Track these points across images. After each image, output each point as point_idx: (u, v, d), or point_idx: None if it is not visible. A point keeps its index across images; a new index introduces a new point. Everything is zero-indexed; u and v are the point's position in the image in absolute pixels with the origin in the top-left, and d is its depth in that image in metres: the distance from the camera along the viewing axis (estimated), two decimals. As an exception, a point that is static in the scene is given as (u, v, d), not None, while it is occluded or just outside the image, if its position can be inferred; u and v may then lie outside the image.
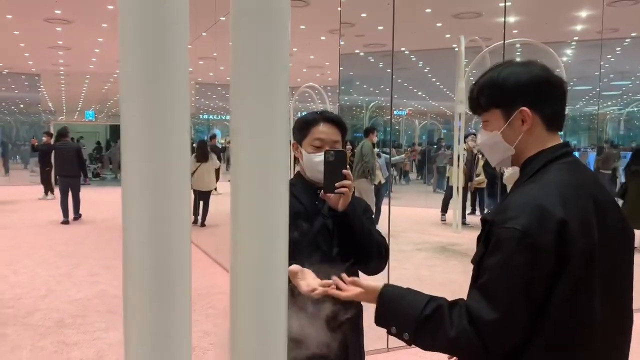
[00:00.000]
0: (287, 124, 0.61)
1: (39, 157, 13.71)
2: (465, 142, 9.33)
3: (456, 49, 9.49)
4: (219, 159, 10.74)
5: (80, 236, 9.04)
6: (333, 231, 1.84)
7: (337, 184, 1.76)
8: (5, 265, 6.86)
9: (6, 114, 27.64)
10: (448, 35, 11.87)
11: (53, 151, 11.18)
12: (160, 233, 0.55)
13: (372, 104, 21.51)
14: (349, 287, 1.44)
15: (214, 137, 14.32)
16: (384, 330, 1.36)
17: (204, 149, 9.73)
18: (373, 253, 1.88)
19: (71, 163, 10.21)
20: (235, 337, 0.61)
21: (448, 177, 10.19)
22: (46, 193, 13.76)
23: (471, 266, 1.37)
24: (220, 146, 14.33)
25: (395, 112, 20.84)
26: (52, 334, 4.55)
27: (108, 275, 6.44)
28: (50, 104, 27.27)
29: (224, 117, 22.82)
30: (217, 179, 10.25)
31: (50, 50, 15.63)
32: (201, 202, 9.57)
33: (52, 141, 12.51)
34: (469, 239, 8.96)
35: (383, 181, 8.94)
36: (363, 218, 1.90)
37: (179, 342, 0.56)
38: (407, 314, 1.30)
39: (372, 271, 1.97)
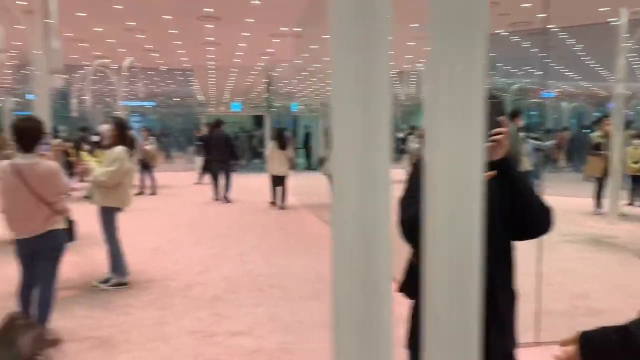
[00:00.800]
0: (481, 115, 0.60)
1: (201, 146, 15.02)
2: (599, 126, 8.57)
3: (614, 23, 8.62)
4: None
5: (230, 219, 9.75)
6: (494, 195, 1.62)
7: (492, 131, 1.69)
8: (167, 242, 7.64)
9: (163, 106, 30.59)
10: (604, 9, 10.78)
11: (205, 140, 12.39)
12: (365, 224, 0.57)
13: (515, 86, 20.34)
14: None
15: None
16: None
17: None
18: (540, 210, 1.83)
19: (224, 150, 11.23)
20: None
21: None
22: (206, 178, 14.79)
23: (628, 260, 1.28)
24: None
25: (542, 94, 19.49)
26: (208, 307, 4.98)
27: (256, 256, 6.88)
28: (201, 97, 29.57)
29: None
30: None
31: (202, 46, 16.91)
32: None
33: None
34: (625, 231, 8.13)
35: (530, 168, 8.44)
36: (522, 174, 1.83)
37: (383, 326, 0.58)
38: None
39: (539, 232, 1.90)
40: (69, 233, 4.36)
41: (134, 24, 13.99)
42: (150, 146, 12.22)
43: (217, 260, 6.68)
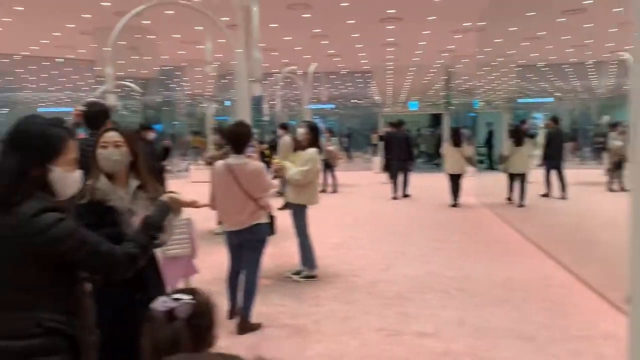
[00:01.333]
0: None
1: (384, 145, 15.34)
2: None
3: None
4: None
5: (409, 218, 9.75)
6: None
7: None
8: (350, 239, 7.91)
9: (343, 108, 31.74)
10: None
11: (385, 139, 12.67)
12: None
13: None
14: None
15: (523, 121, 13.74)
16: None
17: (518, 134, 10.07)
18: None
19: (404, 149, 11.65)
20: None
21: None
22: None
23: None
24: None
25: None
26: (394, 305, 5.02)
27: (437, 256, 6.78)
28: (378, 97, 30.09)
29: (545, 100, 21.38)
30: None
31: (382, 47, 17.19)
32: (516, 184, 9.98)
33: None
34: None
35: None
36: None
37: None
38: None
39: None
40: (270, 227, 4.83)
41: (319, 30, 14.75)
42: (332, 146, 12.76)
43: (399, 259, 6.72)
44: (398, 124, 12.35)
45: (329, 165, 12.86)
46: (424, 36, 15.58)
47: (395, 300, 5.17)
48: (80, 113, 4.16)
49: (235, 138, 4.38)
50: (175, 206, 2.22)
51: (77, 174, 1.90)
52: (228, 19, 8.80)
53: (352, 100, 29.44)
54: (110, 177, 2.45)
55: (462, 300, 5.15)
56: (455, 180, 10.66)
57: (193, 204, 2.32)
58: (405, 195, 11.88)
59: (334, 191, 13.08)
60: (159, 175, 7.59)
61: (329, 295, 5.34)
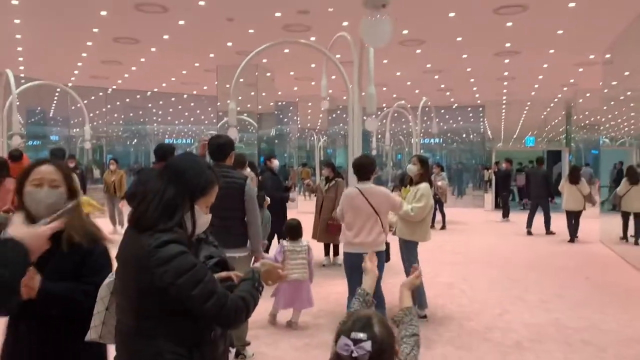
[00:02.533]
0: None
1: (498, 182, 14.80)
2: None
3: None
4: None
5: (526, 258, 9.19)
6: None
7: None
8: (462, 280, 7.56)
9: (452, 142, 31.04)
10: None
11: (524, 175, 12.53)
12: None
13: None
14: None
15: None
16: None
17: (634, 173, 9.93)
18: None
19: (541, 186, 11.77)
20: None
21: None
22: (504, 216, 14.43)
23: None
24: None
25: None
26: (512, 354, 4.70)
27: (561, 304, 6.28)
28: (489, 132, 29.14)
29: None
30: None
31: (496, 81, 16.69)
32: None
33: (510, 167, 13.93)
34: None
35: None
36: None
37: None
38: None
39: None
40: (386, 253, 5.02)
41: (430, 66, 14.66)
42: (441, 182, 12.45)
43: (516, 304, 6.31)
44: (538, 161, 12.77)
45: (438, 201, 12.55)
46: (542, 69, 14.92)
47: (514, 349, 4.84)
48: (206, 144, 4.42)
49: (361, 168, 4.86)
50: (265, 277, 2.01)
51: (208, 217, 1.97)
52: (339, 56, 9.03)
53: (463, 135, 28.76)
54: (32, 219, 2.00)
55: (588, 354, 4.70)
56: (572, 217, 10.78)
57: (281, 278, 2.10)
58: (549, 233, 11.69)
59: (443, 227, 12.71)
60: (281, 206, 7.85)
61: (441, 338, 5.12)
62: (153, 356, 1.79)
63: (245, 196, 4.25)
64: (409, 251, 5.75)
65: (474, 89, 18.51)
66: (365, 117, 7.10)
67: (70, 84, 16.07)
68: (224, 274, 1.98)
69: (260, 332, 5.16)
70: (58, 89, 16.62)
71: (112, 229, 11.39)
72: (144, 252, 1.76)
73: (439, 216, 12.73)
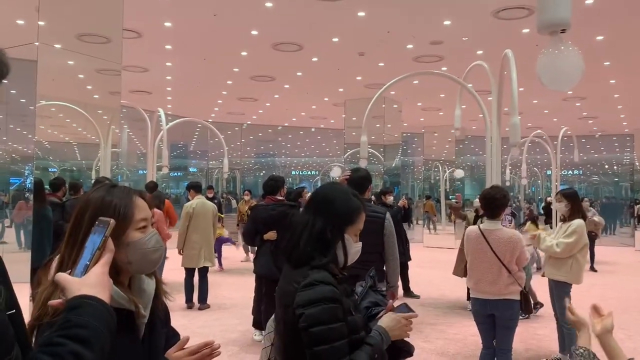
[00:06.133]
0: None
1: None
2: None
3: None
4: None
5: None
6: None
7: None
8: (618, 329, 6.73)
9: (594, 174, 28.62)
10: None
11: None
12: None
13: None
14: None
15: None
16: None
17: None
18: None
19: None
20: None
21: None
22: None
23: None
24: None
25: None
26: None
27: None
28: (637, 163, 26.47)
29: None
30: None
31: (648, 108, 15.15)
32: None
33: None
34: None
35: None
36: None
37: None
38: None
39: None
40: (525, 305, 4.25)
41: (571, 92, 13.68)
42: (596, 217, 11.35)
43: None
44: None
45: (591, 238, 11.31)
46: None
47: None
48: (347, 179, 4.42)
49: (490, 202, 4.08)
50: (394, 332, 1.83)
51: (359, 246, 1.90)
52: (471, 85, 8.74)
53: (607, 165, 26.42)
54: None
55: None
56: None
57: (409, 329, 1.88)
58: None
59: (592, 269, 11.42)
60: (404, 240, 7.64)
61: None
62: None
63: (385, 231, 4.15)
64: (558, 293, 5.23)
65: (622, 116, 16.95)
66: (505, 146, 6.74)
67: (210, 120, 17.32)
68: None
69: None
70: (199, 125, 17.99)
71: (244, 256, 11.90)
72: (293, 289, 1.73)
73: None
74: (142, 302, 1.39)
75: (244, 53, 11.20)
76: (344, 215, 1.85)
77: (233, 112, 18.73)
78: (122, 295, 1.31)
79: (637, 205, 17.46)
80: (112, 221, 1.21)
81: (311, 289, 1.70)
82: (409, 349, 1.97)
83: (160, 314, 1.49)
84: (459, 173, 16.20)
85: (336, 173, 16.48)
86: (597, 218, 11.40)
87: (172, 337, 1.57)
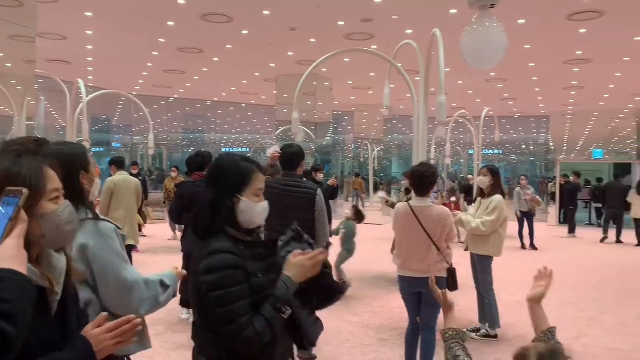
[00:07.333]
0: None
1: (565, 195, 14.23)
2: None
3: None
4: None
5: (605, 277, 8.69)
6: None
7: None
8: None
9: (510, 154, 30.16)
10: None
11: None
12: None
13: None
14: None
15: None
16: None
17: None
18: None
19: (619, 199, 12.27)
20: None
21: None
22: (570, 231, 13.73)
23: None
24: None
25: None
26: (596, 382, 4.37)
27: (642, 328, 5.85)
28: (551, 143, 28.15)
29: None
30: None
31: (564, 91, 16.04)
32: None
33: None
34: None
35: None
36: None
37: None
38: None
39: None
40: (451, 282, 4.17)
41: (494, 74, 14.23)
42: (533, 195, 11.46)
43: (593, 327, 5.92)
44: (616, 174, 13.74)
45: (528, 216, 11.54)
46: (614, 78, 14.20)
47: (596, 376, 4.50)
48: (278, 155, 4.37)
49: (420, 179, 4.02)
50: (299, 276, 1.87)
51: (265, 204, 1.94)
52: (401, 64, 8.85)
53: (523, 146, 27.89)
54: None
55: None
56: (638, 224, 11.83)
57: (316, 268, 1.91)
58: (619, 242, 12.17)
59: (532, 246, 11.54)
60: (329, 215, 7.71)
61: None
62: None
63: (316, 207, 4.15)
64: (481, 267, 5.47)
65: (539, 98, 17.86)
66: (431, 126, 6.90)
67: (134, 93, 16.63)
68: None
69: (324, 347, 5.04)
70: (123, 98, 17.22)
71: (171, 234, 11.61)
72: (201, 259, 1.81)
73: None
74: (54, 279, 1.30)
75: (170, 23, 10.76)
76: (234, 179, 1.90)
77: (159, 85, 18.07)
78: (34, 271, 1.22)
79: (550, 184, 18.54)
80: (26, 190, 1.14)
81: (210, 257, 1.77)
82: (340, 289, 2.06)
83: (72, 291, 1.43)
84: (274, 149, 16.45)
85: (272, 150, 16.33)
86: (534, 196, 11.49)
87: (82, 316, 1.51)
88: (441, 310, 2.23)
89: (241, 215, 1.86)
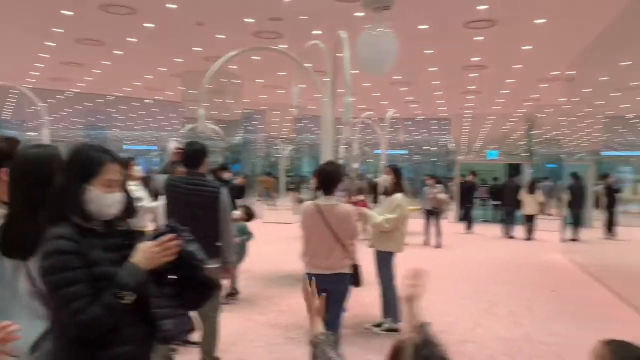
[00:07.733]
0: None
1: (463, 193, 14.92)
2: None
3: None
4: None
5: (499, 271, 9.26)
6: None
7: None
8: (437, 292, 7.43)
9: (415, 154, 31.45)
10: None
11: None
12: None
13: None
14: None
15: (606, 175, 12.74)
16: None
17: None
18: None
19: (513, 197, 13.25)
20: None
21: None
22: (468, 228, 14.38)
23: None
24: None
25: None
26: (488, 369, 4.64)
27: (531, 318, 6.30)
28: (451, 145, 29.68)
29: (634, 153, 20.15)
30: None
31: (462, 95, 16.95)
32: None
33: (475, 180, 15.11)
34: None
35: None
36: None
37: None
38: None
39: None
40: (355, 278, 4.33)
41: (400, 77, 14.74)
42: (441, 194, 11.78)
43: (487, 318, 6.30)
44: (511, 175, 14.86)
45: (434, 214, 11.79)
46: (507, 84, 15.22)
47: (488, 363, 4.79)
48: (180, 152, 4.23)
49: (327, 177, 4.09)
50: (144, 263, 1.84)
51: (117, 196, 1.92)
52: (311, 65, 8.93)
53: (425, 147, 29.17)
54: None
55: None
56: (529, 219, 13.04)
57: (166, 255, 1.88)
58: (511, 237, 13.30)
59: (438, 245, 11.76)
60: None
61: (414, 351, 5.01)
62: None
63: (220, 205, 4.06)
64: (384, 263, 5.64)
65: (440, 101, 18.76)
66: (339, 126, 7.02)
67: (28, 86, 15.46)
68: None
69: (231, 348, 4.95)
70: (15, 91, 15.97)
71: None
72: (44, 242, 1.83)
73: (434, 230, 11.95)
74: None
75: (66, 12, 10.10)
76: (80, 168, 1.90)
77: (56, 78, 16.93)
78: None
79: (449, 183, 19.50)
80: None
81: (49, 243, 1.80)
82: (213, 284, 2.09)
83: None
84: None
85: (172, 146, 15.81)
86: (442, 196, 11.88)
87: None
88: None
89: (90, 205, 1.87)
